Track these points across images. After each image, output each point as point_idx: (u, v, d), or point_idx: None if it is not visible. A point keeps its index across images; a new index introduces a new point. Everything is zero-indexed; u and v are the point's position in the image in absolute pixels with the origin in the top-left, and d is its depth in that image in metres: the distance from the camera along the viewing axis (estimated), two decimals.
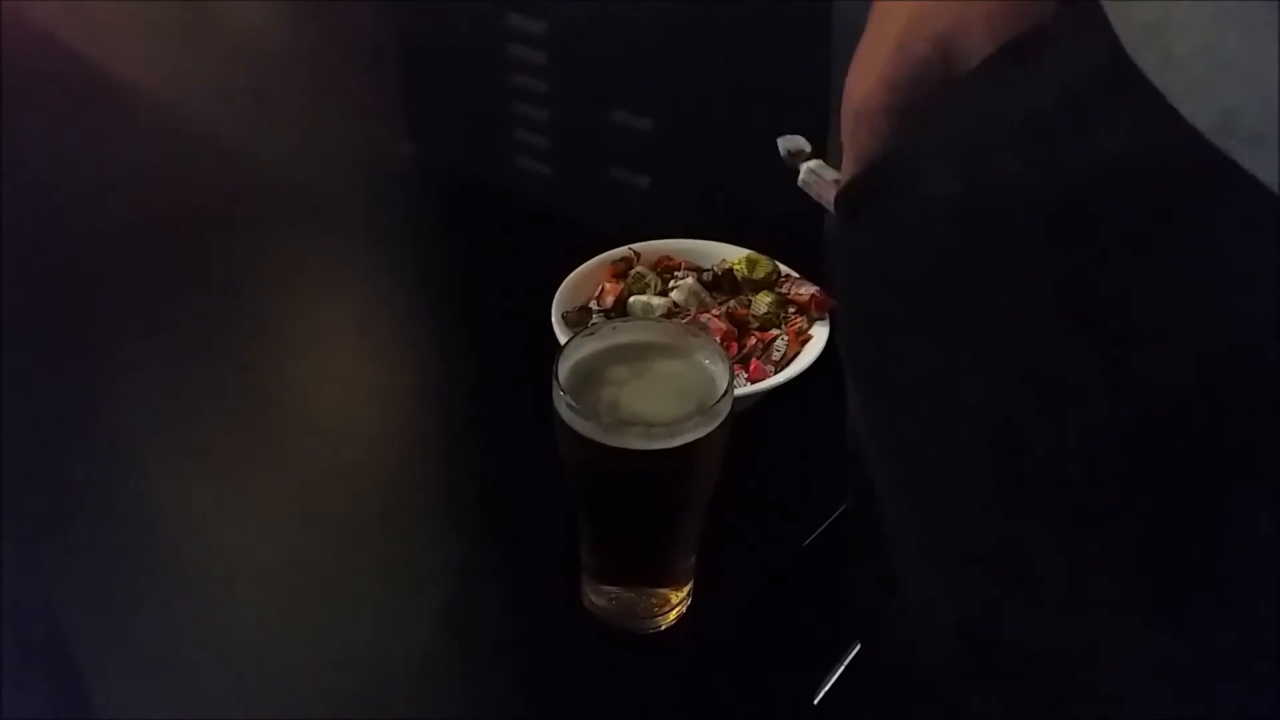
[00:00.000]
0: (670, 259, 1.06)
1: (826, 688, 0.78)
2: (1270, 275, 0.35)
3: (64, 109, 1.41)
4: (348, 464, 0.95)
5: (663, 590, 0.80)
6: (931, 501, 0.49)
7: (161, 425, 0.97)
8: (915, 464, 0.50)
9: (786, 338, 0.97)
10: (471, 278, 1.18)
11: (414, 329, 1.15)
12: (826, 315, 0.98)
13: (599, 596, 0.80)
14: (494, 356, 1.06)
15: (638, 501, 0.76)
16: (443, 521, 0.91)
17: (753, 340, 0.97)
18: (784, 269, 1.04)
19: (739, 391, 0.83)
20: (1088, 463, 0.41)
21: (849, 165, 0.54)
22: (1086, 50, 0.39)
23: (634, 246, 1.05)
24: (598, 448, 0.70)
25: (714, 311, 0.99)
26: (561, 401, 0.71)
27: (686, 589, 0.81)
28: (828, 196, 0.67)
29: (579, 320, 0.98)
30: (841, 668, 0.79)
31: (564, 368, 0.73)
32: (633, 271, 1.03)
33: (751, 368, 0.94)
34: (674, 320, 0.96)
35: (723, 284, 1.03)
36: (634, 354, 0.76)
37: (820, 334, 0.96)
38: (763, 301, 1.00)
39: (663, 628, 0.80)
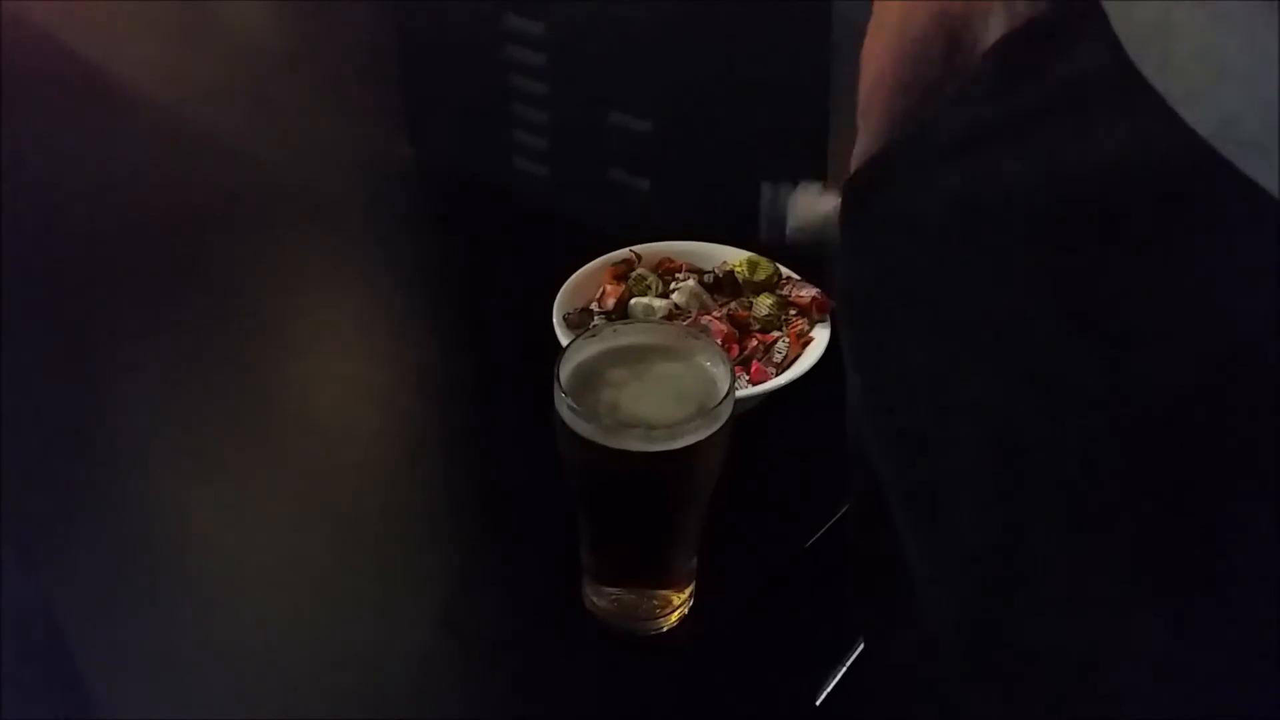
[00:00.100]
0: (671, 261, 1.06)
1: (828, 689, 0.78)
2: (1270, 276, 0.35)
3: (64, 109, 1.41)
4: (348, 464, 0.95)
5: (664, 592, 0.80)
6: (932, 501, 0.49)
7: (161, 425, 0.97)
8: (915, 464, 0.50)
9: (787, 340, 0.97)
10: (471, 278, 1.18)
11: (414, 329, 1.15)
12: (827, 317, 0.98)
13: (600, 598, 0.80)
14: (494, 357, 1.06)
15: (639, 503, 0.76)
16: (443, 521, 0.91)
17: (754, 342, 0.97)
18: (785, 271, 1.04)
19: (740, 393, 0.83)
20: (1088, 463, 0.41)
21: (863, 143, 0.54)
22: (1088, 51, 0.39)
23: (635, 248, 1.05)
24: (599, 450, 0.71)
25: (715, 313, 0.99)
26: (563, 403, 0.71)
27: (688, 590, 0.81)
28: (823, 209, 0.67)
29: (580, 322, 0.98)
30: (843, 669, 0.79)
31: (565, 370, 0.73)
32: (634, 273, 1.03)
33: (752, 370, 0.94)
34: (675, 322, 0.96)
35: (724, 286, 1.03)
36: (635, 356, 0.76)
37: (821, 336, 0.96)
38: (764, 303, 1.00)
39: (664, 629, 0.80)
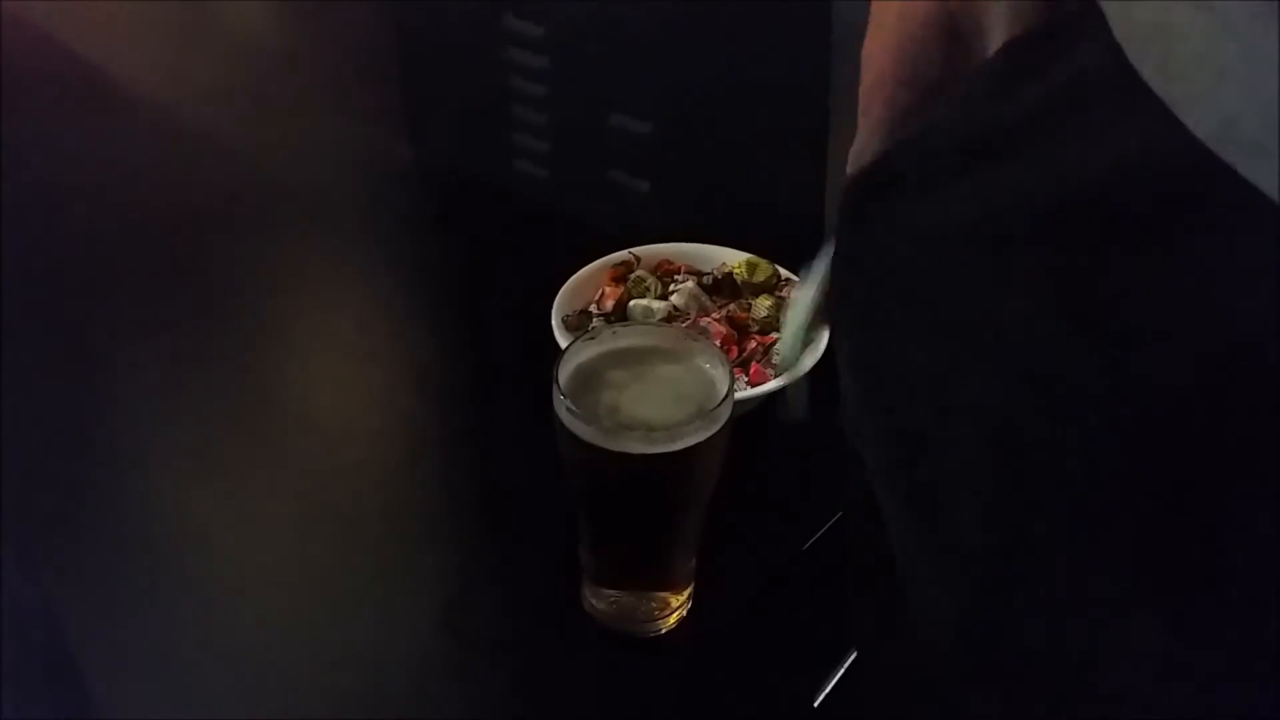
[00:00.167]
0: (670, 262, 1.06)
1: (827, 690, 0.78)
2: (1270, 276, 0.35)
3: (64, 109, 1.41)
4: (348, 464, 0.95)
5: (663, 593, 0.80)
6: (931, 502, 0.49)
7: (161, 425, 0.97)
8: (915, 464, 0.50)
9: None
10: (471, 278, 1.18)
11: (414, 329, 1.15)
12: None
13: (599, 600, 0.80)
14: (494, 357, 1.06)
15: (638, 505, 0.76)
16: (443, 521, 0.91)
17: (753, 344, 0.97)
18: (784, 272, 1.04)
19: (739, 395, 0.83)
20: (1088, 463, 0.41)
21: (862, 139, 0.54)
22: (1088, 53, 0.39)
23: (634, 250, 1.05)
24: (598, 451, 0.71)
25: (714, 315, 0.99)
26: (562, 405, 0.71)
27: (687, 592, 0.81)
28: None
29: (579, 324, 0.98)
30: (842, 670, 0.79)
31: (564, 372, 0.73)
32: (633, 275, 1.03)
33: (751, 371, 0.94)
34: (674, 324, 0.96)
35: (723, 287, 1.03)
36: (634, 358, 0.76)
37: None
38: (763, 305, 1.00)
39: (663, 631, 0.80)
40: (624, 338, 0.77)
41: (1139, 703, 0.43)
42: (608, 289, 1.02)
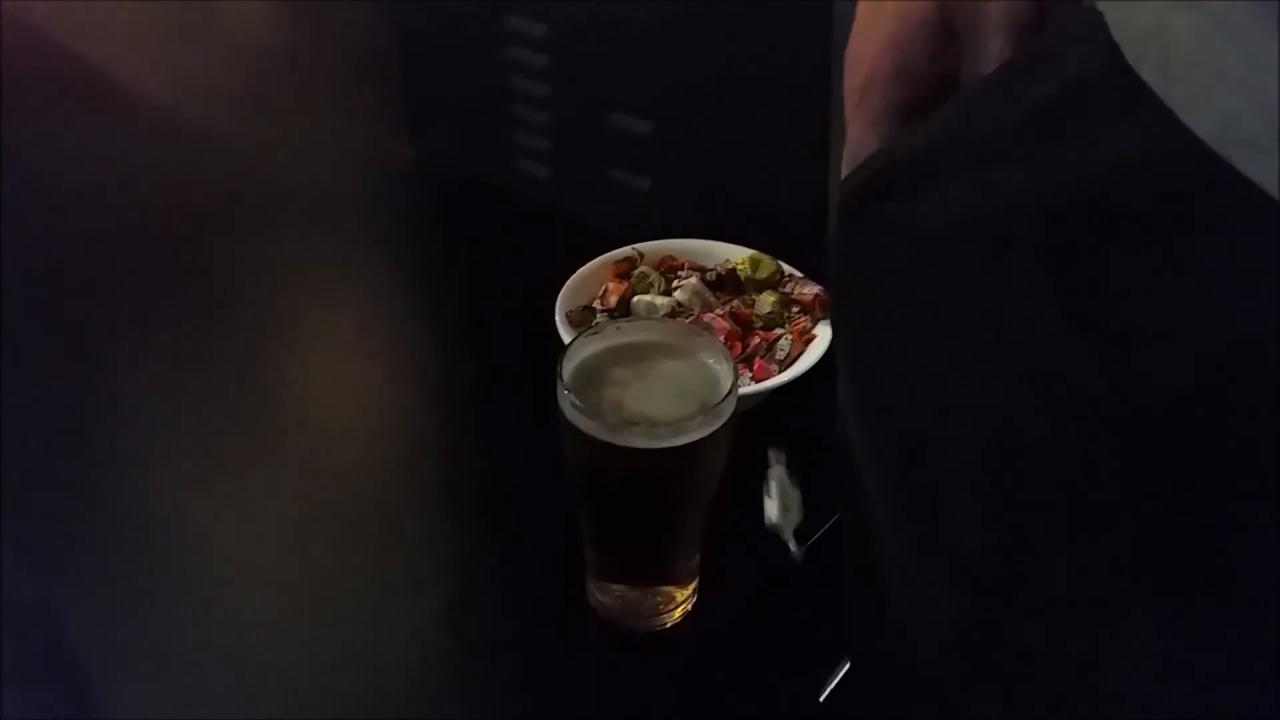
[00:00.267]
0: (673, 259, 1.06)
1: (831, 686, 0.78)
2: (1270, 276, 0.35)
3: (64, 109, 1.41)
4: (348, 464, 0.95)
5: (667, 588, 0.80)
6: (931, 502, 0.49)
7: (161, 425, 0.97)
8: (915, 465, 0.50)
9: (790, 337, 0.97)
10: (471, 278, 1.18)
11: (414, 330, 1.15)
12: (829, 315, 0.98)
13: (604, 595, 0.80)
14: (494, 356, 1.06)
15: (642, 500, 0.76)
16: (443, 521, 0.91)
17: (756, 340, 0.97)
18: (787, 269, 1.04)
19: (743, 391, 0.82)
20: (1088, 463, 0.41)
21: (857, 137, 0.54)
22: (1087, 54, 0.39)
23: (637, 246, 1.05)
24: (602, 447, 0.70)
25: (717, 311, 0.99)
26: (566, 401, 0.71)
27: (691, 587, 0.81)
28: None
29: (582, 320, 0.98)
30: (846, 666, 0.78)
31: (568, 367, 0.73)
32: (636, 271, 1.03)
33: (755, 367, 0.94)
34: (677, 320, 0.96)
35: (726, 284, 1.03)
36: (638, 354, 0.76)
37: (824, 334, 0.96)
38: (766, 301, 1.00)
39: (667, 626, 0.81)
40: (628, 333, 0.77)
41: (1139, 703, 0.43)
42: (611, 285, 1.02)
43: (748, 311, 0.99)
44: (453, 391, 1.04)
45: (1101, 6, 0.38)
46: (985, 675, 0.49)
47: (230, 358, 1.05)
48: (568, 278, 1.01)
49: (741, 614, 0.83)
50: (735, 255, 1.05)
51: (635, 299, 1.00)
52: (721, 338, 0.92)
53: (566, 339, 0.89)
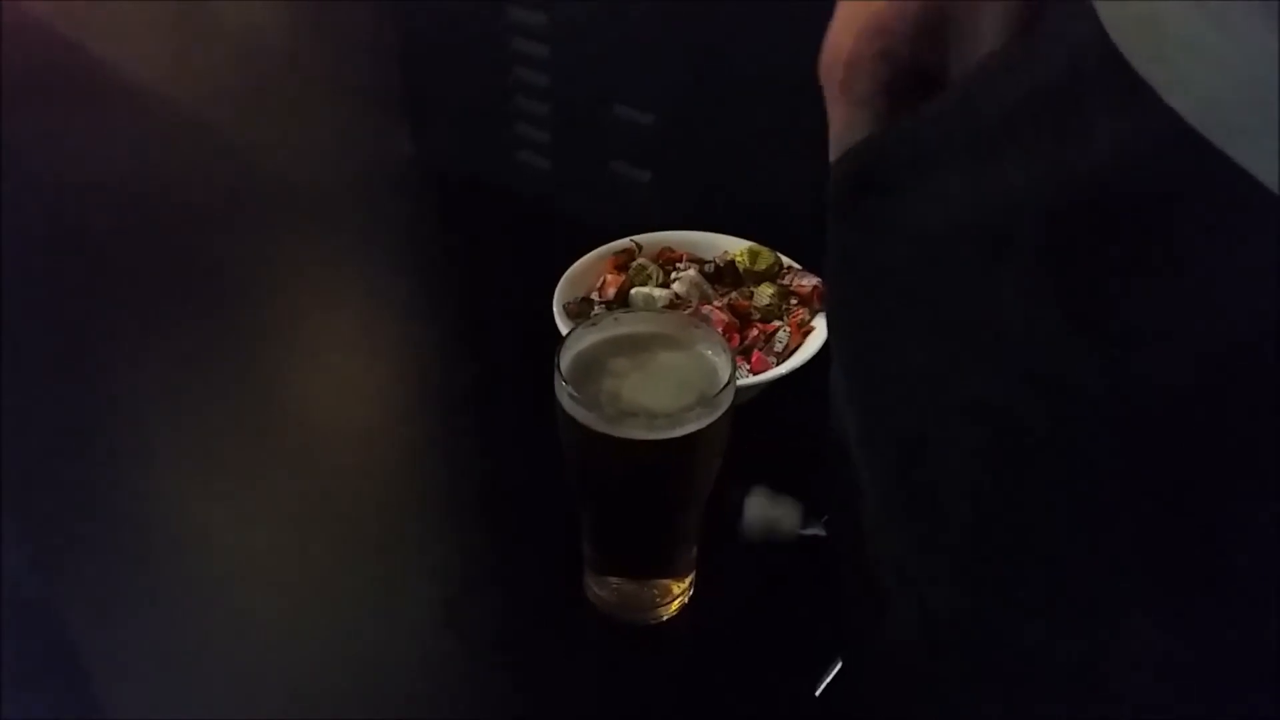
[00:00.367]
0: (672, 251, 1.06)
1: (828, 680, 0.78)
2: (1270, 276, 0.35)
3: (64, 108, 1.41)
4: (348, 464, 0.94)
5: (664, 581, 0.80)
6: (931, 503, 0.49)
7: (162, 425, 0.97)
8: (915, 465, 0.49)
9: (788, 329, 0.96)
10: (471, 278, 1.18)
11: (414, 329, 1.15)
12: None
13: (601, 588, 0.80)
14: (494, 356, 1.06)
15: (640, 492, 0.76)
16: (443, 521, 0.90)
17: (754, 332, 0.97)
18: (786, 261, 1.03)
19: (741, 382, 0.82)
20: (1088, 463, 0.41)
21: (844, 118, 0.54)
22: (1079, 42, 0.39)
23: (636, 238, 1.05)
24: (600, 438, 0.70)
25: (716, 303, 0.99)
26: (564, 392, 0.71)
27: (688, 580, 0.81)
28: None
29: (580, 311, 0.97)
30: (842, 661, 0.78)
31: (566, 358, 0.73)
32: (634, 263, 1.03)
33: (753, 359, 0.94)
34: (676, 311, 0.96)
35: (724, 276, 1.03)
36: (636, 345, 0.76)
37: (822, 326, 0.96)
38: (764, 293, 0.99)
39: (664, 619, 0.81)
40: (626, 324, 0.77)
41: (1139, 703, 0.43)
42: (609, 277, 1.02)
43: (746, 303, 0.99)
44: (453, 391, 1.03)
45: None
46: (985, 675, 0.49)
47: (230, 358, 1.04)
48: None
49: (738, 608, 0.82)
50: (734, 247, 1.04)
51: (633, 291, 1.00)
52: (719, 330, 0.91)
53: (564, 330, 0.89)
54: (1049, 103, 0.41)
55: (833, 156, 0.55)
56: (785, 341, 0.96)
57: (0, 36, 1.49)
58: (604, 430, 0.70)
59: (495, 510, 0.91)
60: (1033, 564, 0.44)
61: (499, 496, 0.92)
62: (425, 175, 1.33)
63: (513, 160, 1.25)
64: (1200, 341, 0.37)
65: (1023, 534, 0.44)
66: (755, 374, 0.92)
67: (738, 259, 1.03)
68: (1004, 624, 0.47)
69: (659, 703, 0.77)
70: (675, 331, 0.77)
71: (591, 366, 0.74)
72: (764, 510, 0.85)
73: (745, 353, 0.95)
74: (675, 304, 0.99)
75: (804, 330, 0.97)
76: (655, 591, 0.80)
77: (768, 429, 0.88)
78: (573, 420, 0.71)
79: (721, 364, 0.74)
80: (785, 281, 1.02)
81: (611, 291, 1.00)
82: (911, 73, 0.51)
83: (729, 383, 0.72)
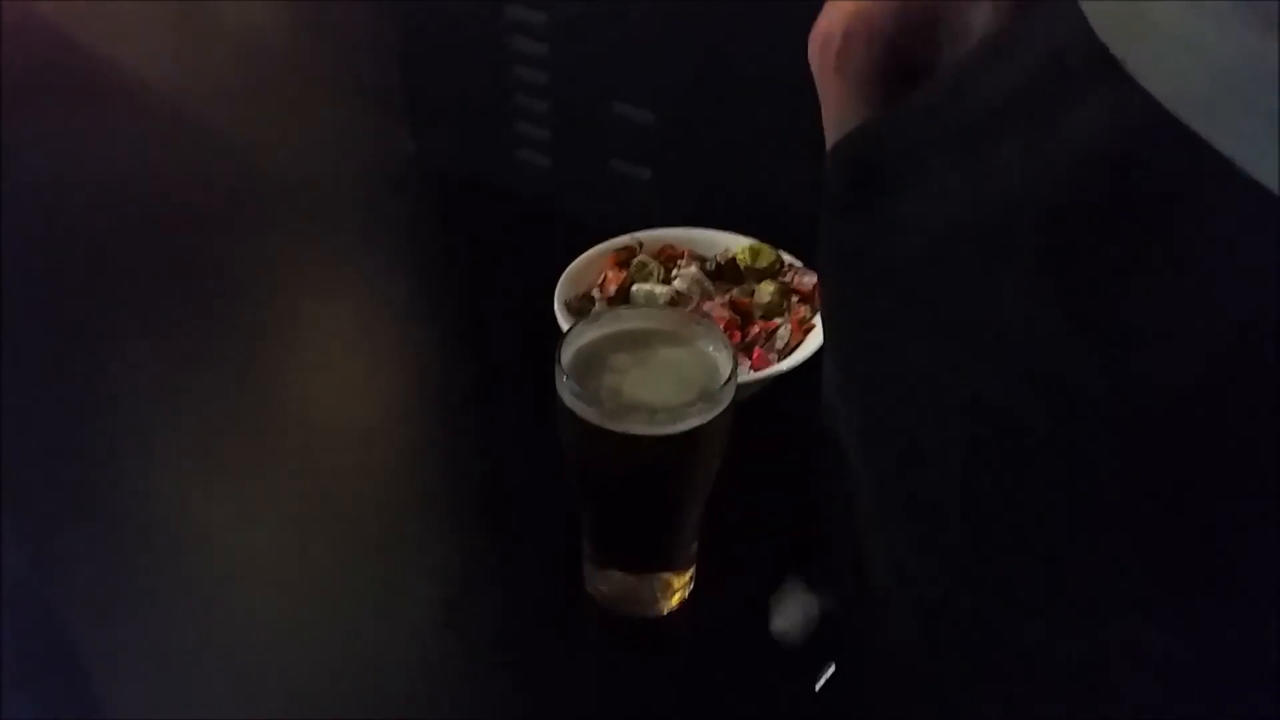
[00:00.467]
0: (673, 248, 1.05)
1: (827, 675, 0.78)
2: (1270, 275, 0.34)
3: (65, 107, 1.41)
4: (348, 464, 0.94)
5: (665, 575, 0.80)
6: (930, 503, 0.49)
7: (162, 426, 0.97)
8: (914, 466, 0.49)
9: (789, 326, 0.96)
10: (472, 279, 1.18)
11: (414, 329, 1.15)
12: None
13: (601, 582, 0.80)
14: (494, 356, 1.06)
15: (641, 487, 0.76)
16: (443, 521, 0.90)
17: (756, 328, 0.97)
18: (787, 258, 1.03)
19: (742, 379, 0.82)
20: (1088, 463, 0.40)
21: (840, 100, 0.54)
22: (1062, 35, 0.39)
23: (637, 235, 1.05)
24: (601, 433, 0.70)
25: (717, 300, 0.99)
26: (565, 387, 0.71)
27: (688, 574, 0.81)
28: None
29: (581, 309, 0.97)
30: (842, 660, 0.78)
31: (567, 353, 0.73)
32: (635, 260, 1.03)
33: (754, 356, 0.94)
34: (676, 307, 0.96)
35: (726, 273, 1.03)
36: (637, 341, 0.76)
37: (822, 321, 0.96)
38: (766, 290, 0.99)
39: (664, 613, 0.81)
40: (627, 320, 0.77)
41: (1139, 703, 0.43)
42: (610, 274, 1.02)
43: (747, 301, 0.99)
44: (453, 391, 1.03)
45: None
46: (985, 675, 0.49)
47: (230, 358, 1.04)
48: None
49: (739, 602, 0.82)
50: (735, 244, 1.04)
51: (634, 288, 1.00)
52: (721, 327, 0.91)
53: (565, 327, 0.89)
54: (1034, 95, 0.41)
55: (829, 141, 0.55)
56: (786, 339, 0.95)
57: (0, 36, 1.49)
58: (605, 425, 0.70)
59: (495, 510, 0.91)
60: (1033, 564, 0.44)
61: (499, 496, 0.91)
62: (425, 174, 1.32)
63: (513, 159, 1.24)
64: (1200, 341, 0.36)
65: (1023, 534, 0.44)
66: (756, 371, 0.92)
67: (739, 256, 1.03)
68: (1004, 624, 0.46)
69: (659, 700, 0.77)
70: (676, 327, 0.77)
71: (592, 362, 0.74)
72: (798, 610, 0.84)
73: (746, 350, 0.95)
74: (676, 301, 0.99)
75: (805, 327, 0.96)
76: (655, 585, 0.80)
77: (769, 425, 0.87)
78: (574, 415, 0.71)
79: (722, 360, 0.74)
80: (786, 279, 1.02)
81: (612, 289, 1.00)
82: (903, 57, 0.51)
83: (730, 378, 0.72)
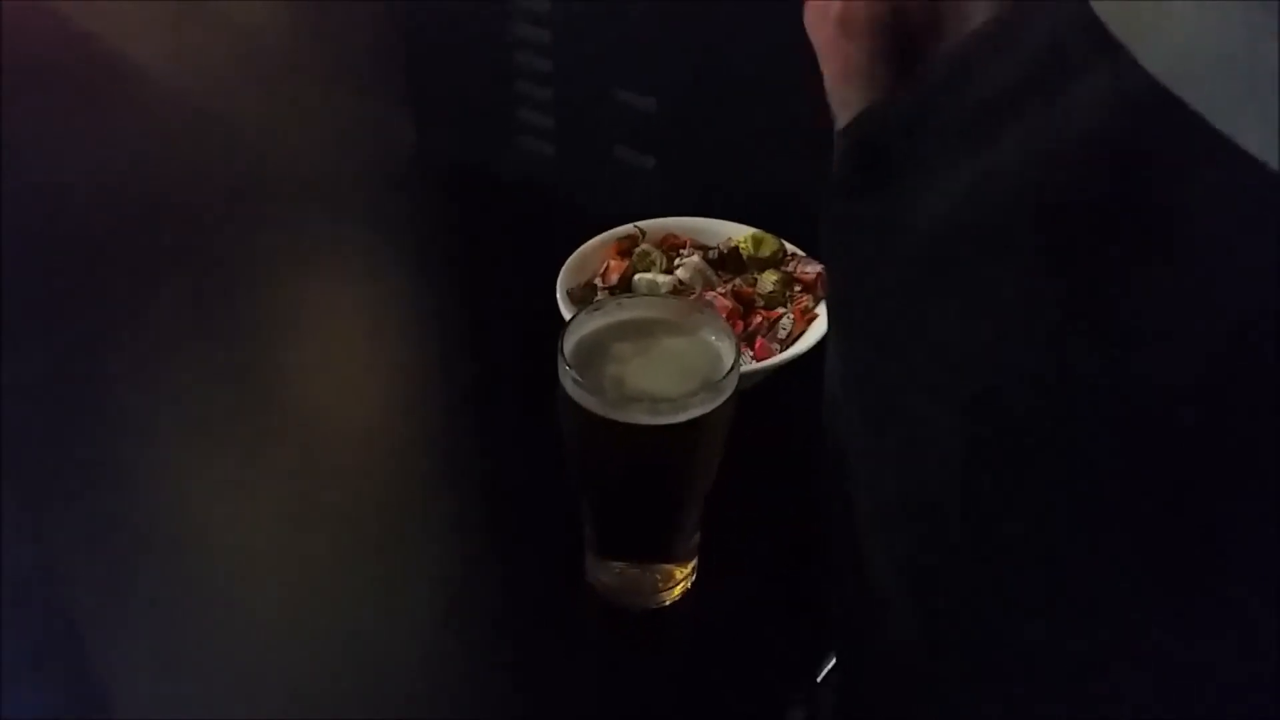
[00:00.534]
0: (675, 237, 1.05)
1: (829, 666, 0.78)
2: (1270, 275, 0.34)
3: (68, 98, 1.41)
4: (348, 462, 0.94)
5: (667, 566, 0.80)
6: (930, 503, 0.48)
7: (162, 421, 0.97)
8: (914, 466, 0.49)
9: (792, 316, 0.96)
10: (473, 276, 1.17)
11: (415, 327, 1.15)
12: None
13: (603, 573, 0.80)
14: (494, 356, 1.05)
15: (643, 477, 0.76)
16: (443, 521, 0.90)
17: (758, 318, 0.96)
18: (790, 247, 1.03)
19: (744, 369, 0.82)
20: (1088, 463, 0.40)
21: (841, 60, 0.53)
22: (1060, 14, 0.39)
23: (639, 224, 1.05)
24: (603, 423, 0.70)
25: (719, 289, 0.99)
26: (567, 376, 0.71)
27: (691, 565, 0.81)
28: None
29: (583, 298, 0.97)
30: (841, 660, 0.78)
31: (569, 343, 0.73)
32: (638, 249, 1.03)
33: (757, 346, 0.93)
34: (679, 296, 0.96)
35: (728, 262, 1.03)
36: (639, 330, 0.76)
37: (825, 313, 0.95)
38: (768, 280, 0.99)
39: (667, 604, 0.80)
40: (629, 310, 0.77)
41: (1139, 703, 0.43)
42: (612, 263, 1.02)
43: (749, 290, 0.99)
44: (453, 391, 1.03)
45: None
46: (985, 675, 0.48)
47: (232, 356, 1.04)
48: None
49: (741, 594, 0.82)
50: (737, 233, 1.04)
51: (636, 277, 1.00)
52: (723, 316, 0.91)
53: (567, 316, 0.89)
54: (1033, 81, 0.40)
55: (834, 107, 0.54)
56: (789, 328, 0.95)
57: (0, 33, 1.49)
58: (607, 415, 0.70)
59: (495, 510, 0.90)
60: (1033, 564, 0.44)
61: (499, 496, 0.91)
62: (427, 164, 1.32)
63: (515, 147, 1.24)
64: (1200, 340, 0.36)
65: (1023, 534, 0.44)
66: (758, 361, 0.91)
67: (741, 245, 1.03)
68: (1004, 624, 0.46)
69: (660, 692, 0.77)
70: (679, 317, 0.77)
71: (595, 351, 0.74)
72: None
73: (749, 339, 0.94)
74: (678, 291, 0.98)
75: (808, 317, 0.96)
76: (658, 576, 0.80)
77: (771, 415, 0.87)
78: (576, 405, 0.71)
79: (725, 349, 0.74)
80: (789, 268, 1.01)
81: (615, 277, 1.00)
82: (906, 35, 0.50)
83: (733, 368, 0.72)
